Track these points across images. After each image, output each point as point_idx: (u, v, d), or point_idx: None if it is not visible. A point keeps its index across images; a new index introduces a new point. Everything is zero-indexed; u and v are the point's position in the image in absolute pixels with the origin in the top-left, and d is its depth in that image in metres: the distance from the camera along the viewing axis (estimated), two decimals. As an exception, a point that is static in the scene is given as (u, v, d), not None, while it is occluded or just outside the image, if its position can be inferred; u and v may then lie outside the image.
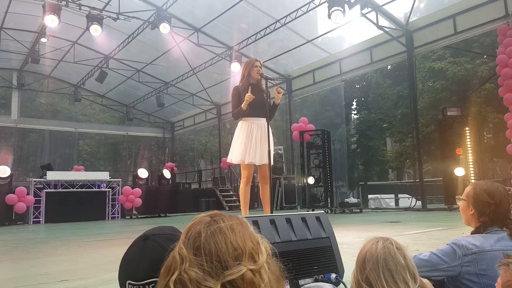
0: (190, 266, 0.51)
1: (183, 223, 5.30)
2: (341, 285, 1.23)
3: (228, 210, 10.28)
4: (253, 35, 9.41)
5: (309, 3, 7.93)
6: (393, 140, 18.61)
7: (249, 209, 3.39)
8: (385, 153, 19.22)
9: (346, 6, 6.64)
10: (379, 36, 8.25)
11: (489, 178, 11.12)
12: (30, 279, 1.98)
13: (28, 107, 16.04)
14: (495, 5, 6.51)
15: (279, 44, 9.79)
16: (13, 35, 10.19)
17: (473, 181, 5.91)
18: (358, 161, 19.82)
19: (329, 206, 7.78)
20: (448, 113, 6.67)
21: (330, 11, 6.57)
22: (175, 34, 9.53)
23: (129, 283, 0.74)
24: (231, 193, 11.43)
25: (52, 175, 8.10)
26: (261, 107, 3.09)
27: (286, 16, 8.47)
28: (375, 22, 7.56)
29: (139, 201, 8.73)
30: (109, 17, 8.06)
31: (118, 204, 8.70)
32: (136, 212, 8.96)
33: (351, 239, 2.96)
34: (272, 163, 3.04)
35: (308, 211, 6.81)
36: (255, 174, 3.83)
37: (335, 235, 1.43)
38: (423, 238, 3.00)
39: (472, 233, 1.26)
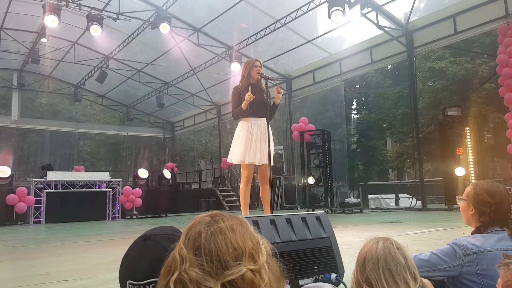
0: (190, 266, 0.51)
1: (183, 223, 5.30)
2: (341, 285, 1.23)
3: (228, 210, 10.28)
4: (253, 35, 9.41)
5: (309, 3, 7.93)
6: (393, 140, 18.61)
7: (249, 209, 3.39)
8: (385, 153, 19.22)
9: (346, 6, 6.64)
10: (379, 36, 8.25)
11: (489, 178, 11.11)
12: (30, 279, 1.98)
13: (29, 108, 16.05)
14: (495, 5, 6.51)
15: (279, 44, 9.79)
16: (13, 35, 10.20)
17: (473, 181, 5.91)
18: (358, 161, 19.82)
19: (329, 206, 7.78)
20: (449, 113, 6.67)
21: (330, 11, 6.57)
22: (175, 34, 9.54)
23: (130, 283, 0.74)
24: (231, 193, 11.43)
25: (52, 175, 8.10)
26: (261, 107, 3.09)
27: (286, 16, 8.47)
28: (375, 22, 7.56)
29: (139, 201, 8.73)
30: (109, 17, 8.06)
31: (118, 204, 8.70)
32: (136, 212, 8.96)
33: (351, 239, 2.96)
34: (272, 163, 3.04)
35: (308, 211, 6.81)
36: (255, 174, 3.83)
37: (335, 235, 1.43)
38: (424, 238, 3.00)
39: (473, 233, 1.26)
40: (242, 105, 3.10)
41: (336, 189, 11.39)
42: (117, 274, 0.79)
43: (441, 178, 7.54)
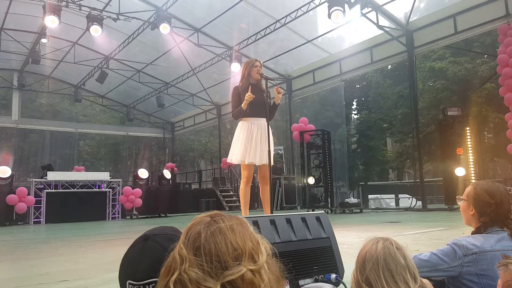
0: (190, 266, 0.51)
1: (183, 223, 5.30)
2: (341, 285, 1.23)
3: (228, 210, 10.28)
4: (253, 35, 9.42)
5: (309, 3, 7.93)
6: (394, 140, 18.60)
7: (249, 209, 3.39)
8: (386, 153, 19.21)
9: (346, 6, 6.64)
10: (379, 36, 8.24)
11: (489, 178, 11.10)
12: (30, 279, 1.98)
13: (29, 108, 16.06)
14: (495, 5, 6.50)
15: (279, 44, 9.79)
16: (13, 35, 10.21)
17: (473, 181, 5.91)
18: (358, 161, 19.82)
19: (329, 206, 7.78)
20: (449, 113, 6.67)
21: (330, 11, 6.57)
22: (175, 35, 9.54)
23: (129, 283, 0.74)
24: (231, 193, 11.43)
25: (52, 176, 8.11)
26: (261, 107, 3.09)
27: (286, 16, 8.47)
28: (375, 22, 7.56)
29: (139, 201, 8.73)
30: (109, 17, 8.06)
31: (118, 204, 8.71)
32: (136, 212, 8.96)
33: (351, 239, 2.96)
34: (272, 163, 3.04)
35: (308, 211, 6.81)
36: (255, 175, 3.83)
37: (335, 235, 1.43)
38: (423, 238, 3.00)
39: (473, 233, 1.26)
40: (242, 105, 3.10)
41: (336, 189, 11.38)
42: (117, 274, 0.79)
43: (441, 178, 7.54)
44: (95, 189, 8.48)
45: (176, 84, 12.53)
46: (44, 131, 15.53)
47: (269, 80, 3.05)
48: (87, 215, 8.01)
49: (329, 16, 6.63)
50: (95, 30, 7.68)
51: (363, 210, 8.07)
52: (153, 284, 0.71)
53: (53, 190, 7.96)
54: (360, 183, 16.84)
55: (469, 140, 6.61)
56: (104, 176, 8.96)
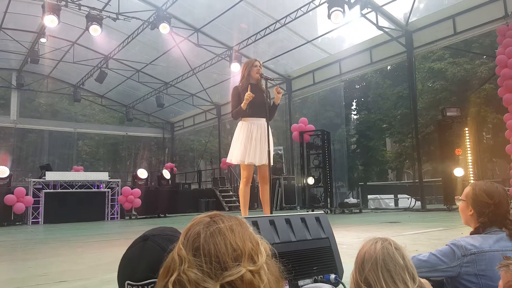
0: (189, 267, 0.51)
1: (182, 223, 5.29)
2: (340, 285, 1.23)
3: (227, 211, 10.28)
4: (253, 36, 9.42)
5: (309, 3, 7.94)
6: (393, 141, 18.63)
7: (248, 209, 3.39)
8: (385, 153, 19.24)
9: (346, 6, 6.65)
10: (379, 36, 8.25)
11: (488, 178, 11.13)
12: (29, 280, 1.98)
13: (27, 107, 16.02)
14: (494, 6, 6.52)
15: (279, 44, 9.79)
16: (12, 35, 10.19)
17: (472, 181, 5.92)
18: (358, 162, 19.84)
19: (328, 206, 7.78)
20: (448, 114, 6.68)
21: (330, 11, 6.58)
22: (175, 34, 9.53)
23: (128, 284, 0.74)
24: (231, 193, 11.42)
25: (51, 176, 8.09)
26: (261, 107, 3.09)
27: (286, 16, 8.48)
28: (375, 22, 7.57)
29: (138, 202, 8.72)
30: (109, 17, 8.05)
31: (117, 204, 8.69)
32: (135, 213, 8.95)
33: (350, 240, 2.96)
34: (272, 163, 3.04)
35: (307, 211, 6.82)
36: (254, 175, 3.83)
37: (335, 235, 1.43)
38: (422, 238, 3.00)
39: (471, 233, 1.26)
40: (242, 104, 3.10)
41: (335, 190, 11.40)
42: (116, 274, 0.79)
43: (440, 179, 7.55)
44: (94, 189, 8.46)
45: (175, 84, 12.52)
46: (43, 131, 15.50)
47: (269, 80, 3.05)
48: (86, 215, 7.99)
49: (329, 16, 6.64)
50: (95, 30, 7.67)
51: (363, 210, 8.07)
52: (152, 285, 0.71)
53: (52, 190, 7.95)
54: (360, 183, 16.85)
55: (468, 140, 6.63)
56: (103, 176, 8.94)
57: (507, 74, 6.00)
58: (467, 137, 6.63)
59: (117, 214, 8.67)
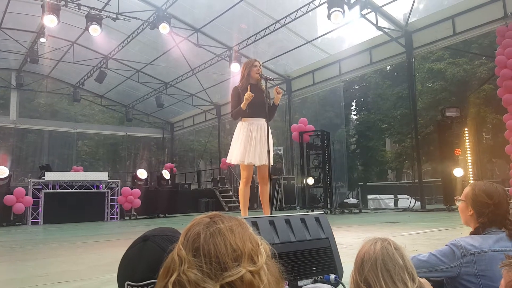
0: (189, 268, 0.51)
1: (182, 224, 5.29)
2: (340, 286, 1.23)
3: (227, 211, 10.28)
4: (252, 36, 9.42)
5: (309, 3, 7.94)
6: (392, 141, 18.64)
7: (248, 209, 3.39)
8: (385, 153, 19.25)
9: (345, 7, 6.65)
10: (379, 37, 8.26)
11: (488, 178, 11.14)
12: (28, 280, 1.98)
13: (27, 108, 16.01)
14: (494, 6, 6.53)
15: (279, 44, 9.80)
16: (12, 35, 10.18)
17: (472, 181, 5.93)
18: (358, 162, 19.85)
19: (328, 206, 7.78)
20: (447, 114, 6.69)
21: (330, 11, 6.59)
22: (175, 35, 9.53)
23: (128, 284, 0.74)
24: (231, 193, 11.42)
25: (50, 176, 8.08)
26: (261, 108, 3.09)
27: (286, 16, 8.48)
28: (375, 23, 7.58)
29: (138, 202, 8.71)
30: (109, 17, 8.05)
31: (117, 204, 8.68)
32: (135, 213, 8.94)
33: (350, 240, 2.96)
34: (271, 163, 3.04)
35: (307, 211, 6.82)
36: (254, 175, 3.83)
37: (334, 235, 1.43)
38: (422, 238, 3.00)
39: (471, 233, 1.26)
40: (242, 104, 3.10)
41: (335, 190, 11.40)
42: (115, 275, 0.79)
43: (440, 179, 7.56)
44: (93, 190, 8.45)
45: (175, 84, 12.52)
46: (42, 131, 15.49)
47: (268, 81, 3.05)
48: (86, 215, 7.98)
49: (329, 17, 6.64)
50: (94, 30, 7.67)
51: (362, 211, 8.08)
52: (152, 285, 0.71)
53: (51, 191, 7.94)
54: (359, 183, 16.86)
55: (467, 141, 6.64)
56: (103, 176, 8.94)
57: (506, 75, 6.00)
58: (467, 138, 6.64)
59: (116, 215, 8.66)
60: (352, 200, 8.56)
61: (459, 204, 1.33)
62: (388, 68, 16.43)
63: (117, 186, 8.82)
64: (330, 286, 1.20)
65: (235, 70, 9.25)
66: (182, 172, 16.73)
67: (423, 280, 1.02)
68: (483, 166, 12.49)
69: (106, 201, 8.51)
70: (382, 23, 7.74)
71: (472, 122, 9.59)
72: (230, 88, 3.46)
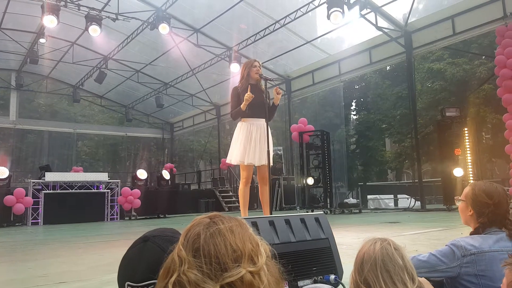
0: (189, 268, 0.51)
1: (182, 224, 5.29)
2: (340, 286, 1.23)
3: (227, 211, 10.28)
4: (252, 36, 9.42)
5: (309, 4, 7.95)
6: (392, 141, 18.65)
7: (248, 210, 3.39)
8: (384, 153, 19.25)
9: (345, 7, 6.66)
10: (378, 37, 8.27)
11: (487, 178, 11.15)
12: (28, 281, 1.98)
13: (27, 108, 16.01)
14: (493, 6, 6.54)
15: (279, 44, 9.80)
16: (11, 35, 10.18)
17: (471, 181, 5.93)
18: (357, 162, 19.85)
19: (328, 206, 7.78)
20: (447, 114, 6.69)
21: (329, 12, 6.59)
22: (174, 35, 9.54)
23: (128, 285, 0.74)
24: (230, 194, 11.42)
25: (50, 176, 8.08)
26: (261, 108, 3.09)
27: (286, 17, 8.48)
28: (374, 23, 7.58)
29: (138, 202, 8.71)
30: (108, 17, 8.05)
31: (117, 205, 8.68)
32: (135, 213, 8.94)
33: (350, 240, 2.96)
34: (271, 163, 3.04)
35: (307, 211, 6.82)
36: (254, 175, 3.83)
37: (334, 236, 1.43)
38: (422, 238, 3.00)
39: (471, 233, 1.26)
40: (242, 105, 3.10)
41: (335, 190, 11.40)
42: (115, 275, 0.79)
43: (440, 179, 7.56)
44: (93, 190, 8.45)
45: (175, 84, 12.52)
46: (42, 132, 15.48)
47: (268, 81, 3.05)
48: (86, 216, 7.98)
49: (328, 17, 6.65)
50: (94, 30, 7.67)
51: (362, 211, 8.08)
52: (152, 286, 0.71)
53: (51, 191, 7.93)
54: (359, 183, 16.87)
55: (467, 140, 6.64)
56: (103, 176, 8.93)
57: (506, 75, 6.01)
58: (467, 137, 6.64)
59: (116, 215, 8.66)
60: (352, 200, 8.56)
61: (459, 204, 1.33)
62: (388, 68, 16.44)
63: (117, 186, 8.82)
64: (330, 286, 1.20)
65: (235, 70, 9.25)
66: (182, 172, 16.73)
67: (423, 280, 1.02)
68: (483, 166, 12.50)
69: (106, 201, 8.51)
70: (382, 23, 7.74)
71: (472, 122, 9.60)
72: (230, 89, 3.46)
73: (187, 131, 16.09)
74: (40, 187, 7.87)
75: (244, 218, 1.06)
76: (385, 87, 17.73)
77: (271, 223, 1.30)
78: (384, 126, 18.19)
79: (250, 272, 0.51)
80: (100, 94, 14.42)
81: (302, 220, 1.38)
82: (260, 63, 3.30)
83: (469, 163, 6.59)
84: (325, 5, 6.80)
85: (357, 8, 7.01)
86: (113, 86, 13.40)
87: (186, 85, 12.44)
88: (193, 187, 13.24)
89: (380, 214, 7.13)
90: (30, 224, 7.57)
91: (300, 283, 1.21)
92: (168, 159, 16.90)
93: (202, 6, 9.15)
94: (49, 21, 7.03)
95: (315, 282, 1.24)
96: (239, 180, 3.75)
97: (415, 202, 7.90)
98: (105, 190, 8.58)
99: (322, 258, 1.32)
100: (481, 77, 12.54)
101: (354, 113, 21.29)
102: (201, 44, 9.84)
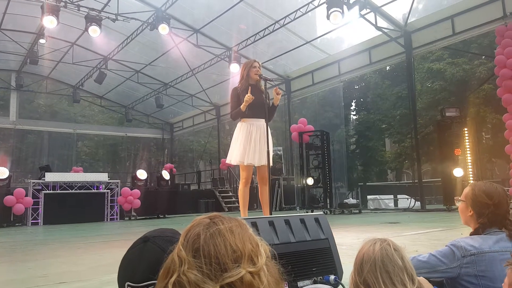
0: (189, 268, 0.51)
1: (182, 224, 5.29)
2: (340, 287, 1.23)
3: (227, 211, 10.28)
4: (252, 36, 9.43)
5: (308, 4, 7.95)
6: (392, 141, 18.65)
7: (248, 210, 3.39)
8: (384, 153, 19.26)
9: (344, 7, 6.66)
10: (378, 37, 8.27)
11: (487, 178, 11.15)
12: (28, 281, 1.97)
13: (27, 108, 16.01)
14: (493, 6, 6.54)
15: (278, 45, 9.81)
16: (11, 36, 10.18)
17: (471, 181, 5.93)
18: (357, 162, 19.85)
19: (328, 207, 7.78)
20: (447, 114, 6.70)
21: (329, 12, 6.60)
22: (174, 35, 9.54)
23: (128, 285, 0.74)
24: (230, 194, 11.42)
25: (50, 177, 8.08)
26: (260, 108, 3.10)
27: (285, 17, 8.49)
28: (374, 23, 7.59)
29: (138, 203, 8.71)
30: (108, 18, 8.06)
31: (117, 205, 8.68)
32: (135, 214, 8.94)
33: (350, 240, 2.96)
34: (271, 164, 3.04)
35: (307, 212, 6.82)
36: (254, 176, 3.83)
37: (334, 236, 1.43)
38: (422, 239, 3.00)
39: (471, 234, 1.26)
40: (241, 106, 3.10)
41: (335, 190, 11.41)
42: (115, 276, 0.79)
43: (440, 179, 7.56)
44: (93, 190, 8.45)
45: (175, 84, 12.52)
46: (42, 132, 15.49)
47: (268, 81, 3.05)
48: (85, 216, 7.98)
49: (328, 17, 6.65)
50: (94, 31, 7.67)
51: (362, 211, 8.08)
52: (152, 286, 0.71)
53: (51, 191, 7.93)
54: (359, 183, 16.86)
55: (467, 141, 6.64)
56: (103, 177, 8.93)
57: (506, 75, 6.01)
58: (466, 137, 6.64)
59: (116, 215, 8.66)
60: (351, 201, 8.57)
61: (459, 204, 1.33)
62: (388, 68, 16.44)
63: (117, 186, 8.82)
64: (329, 286, 1.20)
65: (235, 70, 9.25)
66: (182, 172, 16.73)
67: (421, 279, 1.02)
68: (483, 166, 12.50)
69: (106, 201, 8.51)
70: (381, 23, 7.75)
71: (472, 122, 9.60)
72: (230, 89, 3.46)
73: (187, 131, 16.09)
74: (40, 187, 7.87)
75: (244, 219, 1.06)
76: (385, 87, 17.73)
77: (271, 223, 1.30)
78: (384, 126, 18.19)
79: (250, 273, 0.51)
80: (100, 94, 14.42)
81: (302, 221, 1.38)
82: (260, 63, 3.30)
83: (469, 163, 6.59)
84: (325, 5, 6.81)
85: (356, 8, 7.01)
86: (113, 87, 13.41)
87: (186, 85, 12.45)
88: (193, 187, 13.25)
89: (380, 214, 7.13)
90: (30, 224, 7.57)
91: (300, 284, 1.21)
92: (168, 159, 16.90)
93: (201, 6, 9.15)
94: (49, 22, 7.03)
95: (315, 282, 1.24)
96: (239, 180, 3.75)
97: (415, 202, 7.90)
98: (105, 191, 8.58)
99: (322, 259, 1.32)
100: (481, 77, 12.55)
101: (354, 113, 21.30)
102: (201, 44, 9.85)
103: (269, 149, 2.98)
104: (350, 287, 0.88)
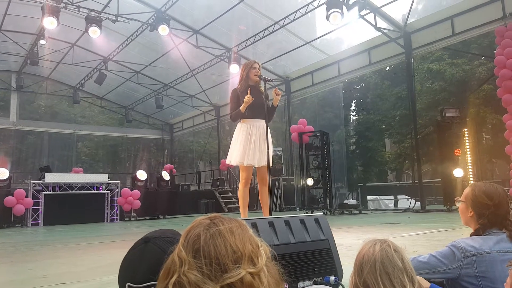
0: (189, 269, 0.51)
1: (182, 225, 5.29)
2: (340, 287, 1.23)
3: (227, 212, 10.27)
4: (251, 37, 9.44)
5: (308, 4, 7.96)
6: (392, 141, 18.65)
7: (248, 210, 3.39)
8: (384, 154, 19.25)
9: (344, 7, 6.67)
10: (378, 37, 8.28)
11: (488, 179, 11.15)
12: (28, 282, 1.98)
13: (27, 109, 16.03)
14: (492, 7, 6.55)
15: (278, 45, 9.82)
16: (12, 37, 10.19)
17: (472, 182, 5.93)
18: (357, 162, 19.85)
19: (328, 207, 7.78)
20: (447, 114, 6.70)
21: (329, 12, 6.61)
22: (174, 36, 9.55)
23: (129, 286, 0.74)
24: (230, 194, 11.42)
25: (50, 177, 8.08)
26: (260, 109, 3.10)
27: (285, 18, 8.50)
28: (373, 23, 7.59)
29: (138, 203, 8.71)
30: (108, 19, 8.07)
31: (117, 206, 8.68)
32: (135, 214, 8.94)
33: (350, 241, 2.96)
34: (271, 164, 3.04)
35: (307, 212, 6.81)
36: (253, 176, 3.83)
37: (334, 237, 1.43)
38: (422, 239, 3.00)
39: (471, 235, 1.26)
40: (241, 107, 3.10)
41: (335, 191, 11.39)
42: (115, 276, 0.79)
43: (440, 179, 7.56)
44: (93, 191, 8.45)
45: (175, 85, 12.53)
46: (42, 133, 15.49)
47: (267, 82, 3.06)
48: (86, 217, 7.98)
49: (328, 18, 6.66)
50: (94, 32, 7.68)
51: (362, 211, 8.08)
52: (153, 287, 0.71)
53: (51, 192, 7.93)
54: (359, 184, 16.85)
55: (467, 141, 6.64)
56: (103, 177, 8.93)
57: (505, 75, 6.01)
58: (467, 138, 6.64)
59: (116, 216, 8.65)
60: (351, 201, 8.56)
61: (459, 205, 1.33)
62: (387, 68, 16.45)
63: (117, 187, 8.82)
64: (329, 287, 1.20)
65: (234, 71, 9.26)
66: (182, 173, 16.72)
67: (419, 278, 1.02)
68: (483, 166, 12.51)
69: (106, 202, 8.51)
70: (381, 23, 7.76)
71: (472, 123, 9.62)
72: (230, 89, 3.46)
73: (187, 132, 16.09)
74: (40, 188, 7.87)
75: (244, 219, 1.06)
76: (385, 87, 17.74)
77: (271, 224, 1.30)
78: (383, 126, 18.19)
79: (250, 273, 0.51)
80: (100, 95, 14.43)
81: (302, 221, 1.38)
82: (260, 64, 3.31)
83: (469, 164, 6.59)
84: (324, 6, 6.82)
85: (356, 8, 7.02)
86: (113, 87, 13.42)
87: (186, 86, 12.45)
88: (192, 188, 13.24)
89: (380, 215, 7.13)
90: (30, 225, 7.57)
91: (300, 284, 1.21)
92: (167, 160, 16.90)
93: (201, 7, 9.17)
94: (49, 23, 7.04)
95: (315, 283, 1.24)
96: (239, 181, 3.75)
97: (415, 203, 7.90)
98: (105, 191, 8.58)
99: (322, 259, 1.32)
100: (481, 77, 12.56)
101: (354, 113, 21.31)
102: (201, 45, 9.86)
103: (269, 149, 2.98)
104: (350, 288, 0.88)
